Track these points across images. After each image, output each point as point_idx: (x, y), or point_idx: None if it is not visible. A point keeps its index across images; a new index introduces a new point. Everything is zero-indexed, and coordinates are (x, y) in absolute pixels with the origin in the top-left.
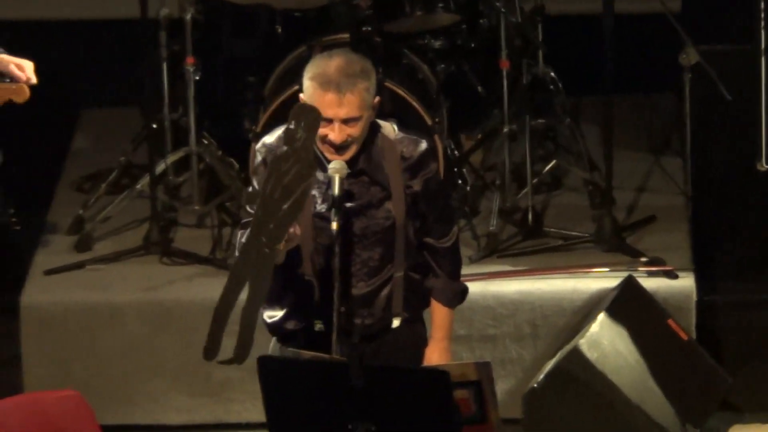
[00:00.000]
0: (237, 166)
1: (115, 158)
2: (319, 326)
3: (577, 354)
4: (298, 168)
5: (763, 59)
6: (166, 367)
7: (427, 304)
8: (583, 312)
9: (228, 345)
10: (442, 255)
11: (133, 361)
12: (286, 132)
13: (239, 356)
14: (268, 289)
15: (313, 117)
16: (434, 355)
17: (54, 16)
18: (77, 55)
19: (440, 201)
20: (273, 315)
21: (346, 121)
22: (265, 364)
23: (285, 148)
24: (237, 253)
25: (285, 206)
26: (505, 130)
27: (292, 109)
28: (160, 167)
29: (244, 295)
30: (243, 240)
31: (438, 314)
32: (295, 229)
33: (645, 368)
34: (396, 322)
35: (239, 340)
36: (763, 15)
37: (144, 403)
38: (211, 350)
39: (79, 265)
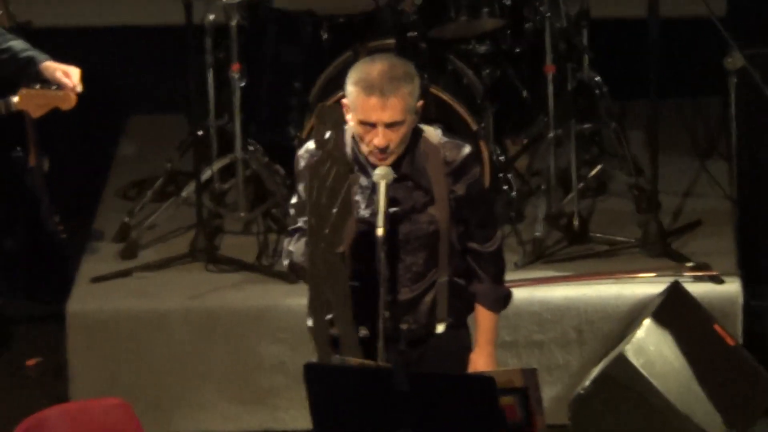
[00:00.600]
0: (283, 172)
1: (160, 165)
2: (363, 332)
3: (623, 360)
4: (336, 168)
5: None
6: (213, 375)
7: (472, 310)
8: (629, 318)
9: (278, 352)
10: (485, 259)
11: (179, 368)
12: (316, 136)
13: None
14: (349, 291)
15: (336, 115)
16: (480, 361)
17: (100, 23)
18: (123, 61)
19: (483, 206)
20: None
21: (389, 125)
22: (311, 371)
23: (319, 152)
24: (284, 262)
25: (334, 208)
26: (551, 135)
27: (315, 113)
28: (205, 174)
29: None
30: (290, 248)
31: (482, 319)
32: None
33: (691, 374)
34: (440, 328)
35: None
36: None
37: (190, 411)
38: None
39: (126, 273)
